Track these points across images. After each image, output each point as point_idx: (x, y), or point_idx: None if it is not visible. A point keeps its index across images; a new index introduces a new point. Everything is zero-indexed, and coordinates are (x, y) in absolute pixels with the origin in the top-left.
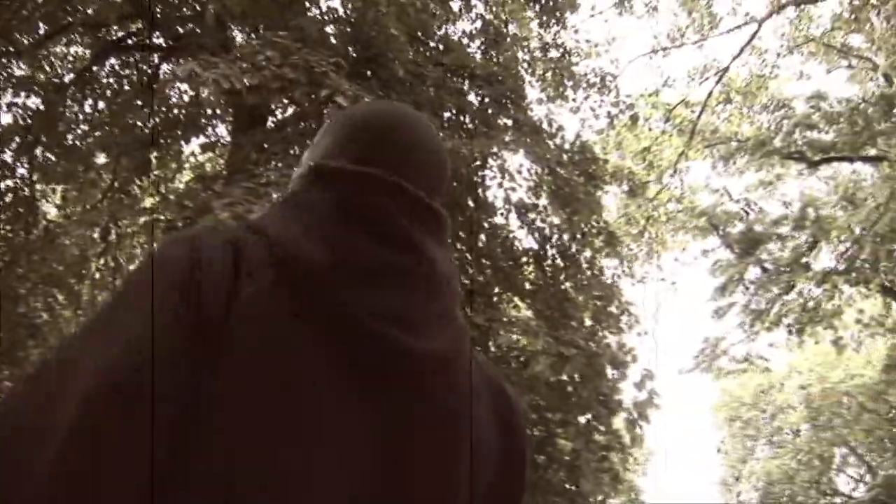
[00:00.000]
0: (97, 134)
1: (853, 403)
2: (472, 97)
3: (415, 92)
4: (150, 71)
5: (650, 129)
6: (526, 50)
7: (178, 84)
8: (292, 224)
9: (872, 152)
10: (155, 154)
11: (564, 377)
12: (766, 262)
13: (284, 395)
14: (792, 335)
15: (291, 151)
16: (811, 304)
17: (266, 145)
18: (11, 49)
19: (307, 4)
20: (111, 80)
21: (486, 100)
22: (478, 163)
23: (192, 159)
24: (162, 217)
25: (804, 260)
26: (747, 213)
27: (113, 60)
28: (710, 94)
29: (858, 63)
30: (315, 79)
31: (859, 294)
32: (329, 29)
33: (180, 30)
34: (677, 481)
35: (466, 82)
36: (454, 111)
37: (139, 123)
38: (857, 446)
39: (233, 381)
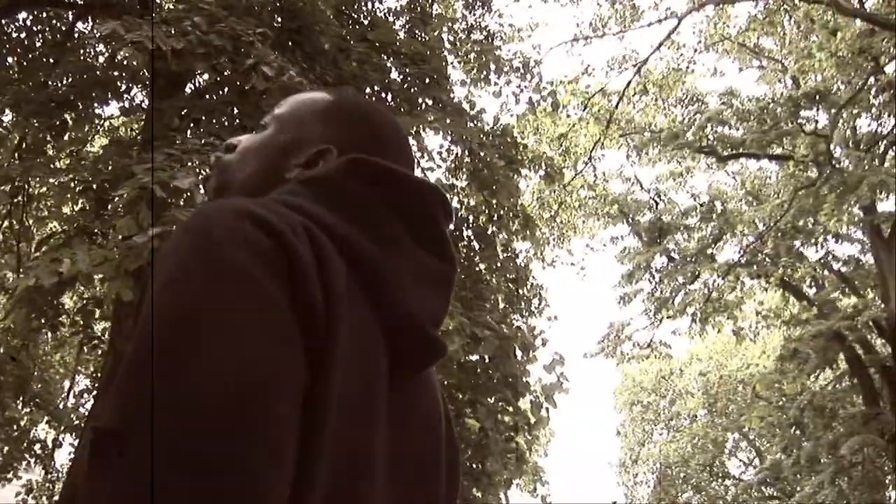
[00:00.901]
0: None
1: (748, 391)
2: (394, 75)
3: (339, 66)
4: (63, 28)
5: (568, 116)
6: (451, 31)
7: (94, 44)
8: (344, 217)
9: (778, 151)
10: (71, 115)
11: (475, 358)
12: (673, 251)
13: (367, 394)
14: (695, 324)
15: (214, 121)
16: (714, 294)
17: (185, 112)
18: None
19: None
20: (22, 36)
21: (410, 78)
22: None
23: (106, 124)
24: (77, 179)
25: (709, 251)
26: (657, 203)
27: (24, 14)
28: (628, 85)
29: (769, 64)
30: (241, 47)
31: (759, 286)
32: None
33: None
34: (576, 462)
35: (391, 60)
36: (377, 88)
37: (51, 83)
38: (749, 432)
39: (332, 378)
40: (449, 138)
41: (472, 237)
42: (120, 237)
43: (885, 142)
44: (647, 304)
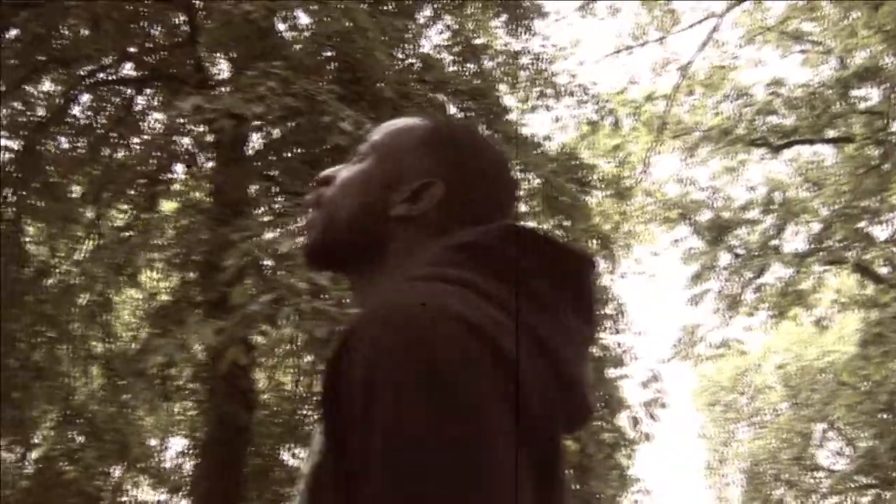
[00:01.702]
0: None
1: (830, 379)
2: (452, 110)
3: (402, 111)
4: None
5: (619, 127)
6: (497, 59)
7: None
8: (509, 289)
9: (832, 133)
10: (158, 189)
11: None
12: (737, 247)
13: None
14: (773, 318)
15: (290, 181)
16: (787, 286)
17: (266, 174)
18: None
19: (280, 28)
20: (88, 115)
21: (471, 114)
22: None
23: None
24: (176, 251)
25: (773, 243)
26: (714, 201)
27: (86, 97)
28: (676, 88)
29: (811, 48)
30: (317, 107)
31: (831, 273)
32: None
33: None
34: (661, 469)
35: (444, 97)
36: None
37: (115, 156)
38: (836, 421)
39: None
40: (519, 168)
41: None
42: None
43: None
44: (717, 303)
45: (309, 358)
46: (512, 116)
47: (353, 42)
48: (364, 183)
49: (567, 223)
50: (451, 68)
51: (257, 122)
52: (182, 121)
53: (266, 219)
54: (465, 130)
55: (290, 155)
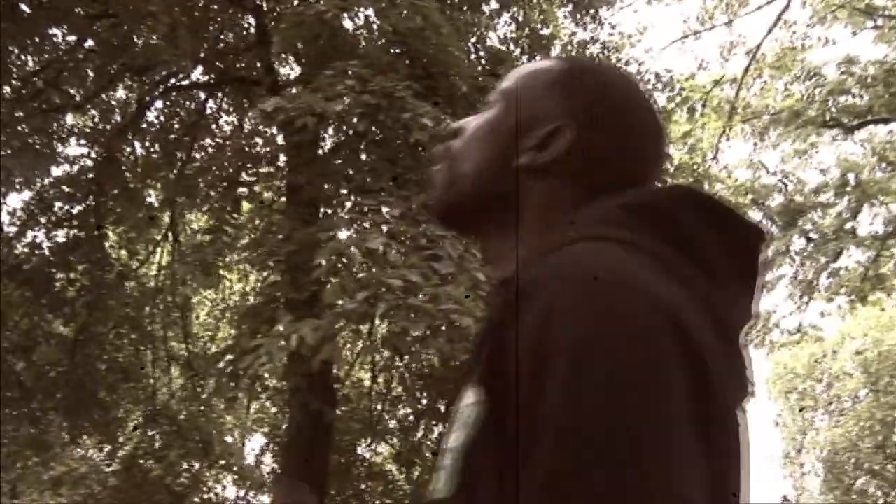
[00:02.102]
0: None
1: None
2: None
3: (478, 106)
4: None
5: (691, 113)
6: (565, 49)
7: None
8: (686, 261)
9: None
10: (243, 193)
11: None
12: (811, 231)
13: None
14: (853, 303)
15: (367, 179)
16: (867, 270)
17: (350, 173)
18: (58, 101)
19: (348, 25)
20: (162, 120)
21: None
22: None
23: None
24: (259, 252)
25: (848, 226)
26: (785, 185)
27: (160, 104)
28: (745, 72)
29: (885, 22)
30: (395, 103)
31: None
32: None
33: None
34: None
35: None
36: None
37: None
38: None
39: None
40: None
41: None
42: (327, 304)
43: None
44: (791, 289)
45: (386, 353)
46: None
47: (425, 38)
48: (490, 132)
49: None
50: (519, 61)
51: (332, 121)
52: (259, 121)
53: (349, 216)
54: (602, 70)
55: (366, 154)
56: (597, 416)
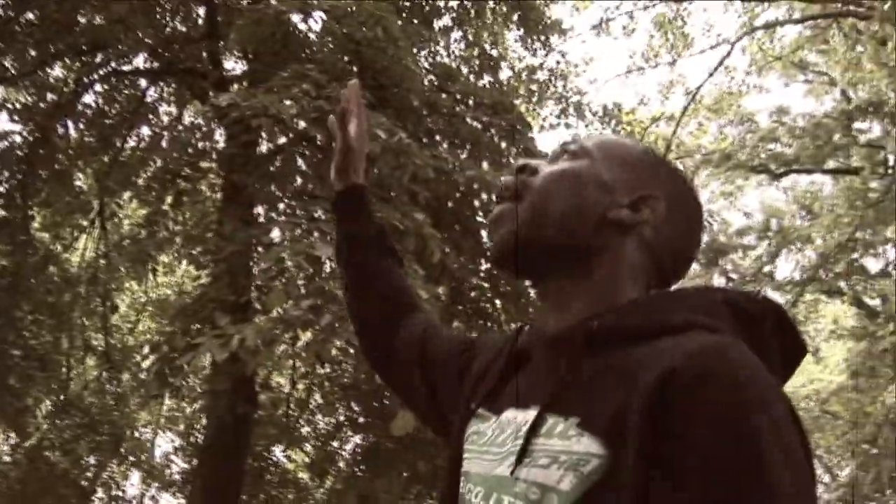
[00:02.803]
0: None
1: (814, 407)
2: (473, 124)
3: (429, 121)
4: (137, 95)
5: None
6: (514, 73)
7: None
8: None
9: (832, 164)
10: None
11: None
12: (730, 272)
13: None
14: None
15: (311, 186)
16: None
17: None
18: None
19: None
20: (99, 104)
21: (494, 129)
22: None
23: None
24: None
25: (767, 269)
26: (710, 225)
27: (99, 87)
28: (684, 111)
29: (816, 78)
30: None
31: (822, 302)
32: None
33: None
34: None
35: (476, 111)
36: (464, 139)
37: (124, 147)
38: (817, 449)
39: None
40: None
41: None
42: (272, 310)
43: None
44: None
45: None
46: (535, 133)
47: (381, 49)
48: (580, 182)
49: None
50: (467, 78)
51: (285, 124)
52: (210, 115)
53: (293, 222)
54: (678, 167)
55: (312, 160)
56: (775, 488)
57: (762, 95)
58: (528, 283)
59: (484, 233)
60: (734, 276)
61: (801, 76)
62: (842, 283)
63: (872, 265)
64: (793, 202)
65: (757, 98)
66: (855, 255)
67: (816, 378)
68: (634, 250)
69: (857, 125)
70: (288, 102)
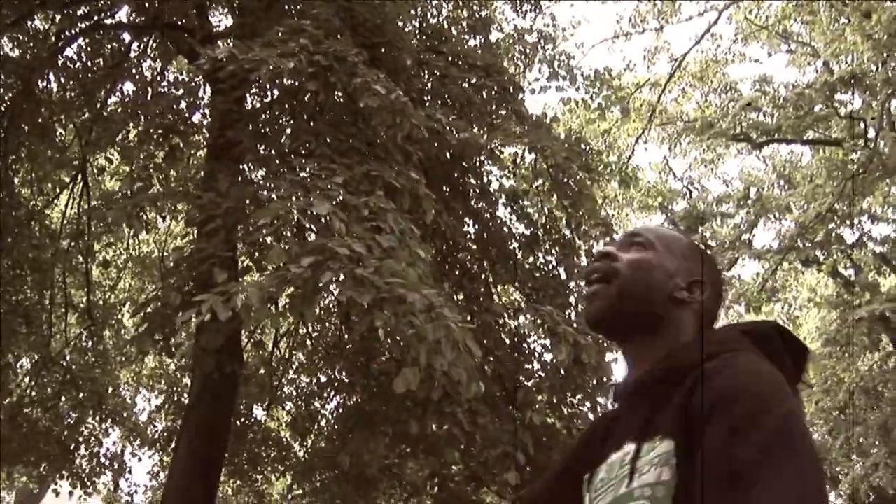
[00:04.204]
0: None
1: None
2: (465, 85)
3: (421, 81)
4: (121, 49)
5: (610, 112)
6: (503, 35)
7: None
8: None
9: (811, 135)
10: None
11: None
12: (709, 239)
13: None
14: (749, 313)
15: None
16: (766, 282)
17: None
18: None
19: None
20: (82, 58)
21: (485, 90)
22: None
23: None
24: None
25: (745, 237)
26: (690, 192)
27: (81, 41)
28: (670, 78)
29: (799, 48)
30: (347, 68)
31: (796, 271)
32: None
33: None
34: None
35: (468, 72)
36: (455, 100)
37: (107, 102)
38: None
39: None
40: (525, 148)
41: (548, 241)
42: (270, 267)
43: None
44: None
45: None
46: (523, 95)
47: (375, 7)
48: (655, 269)
49: (571, 210)
50: (458, 40)
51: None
52: (206, 69)
53: (291, 179)
54: (713, 256)
55: (304, 117)
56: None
57: (745, 65)
58: (615, 342)
59: (472, 194)
60: (713, 243)
61: (784, 46)
62: (819, 253)
63: (850, 236)
64: (772, 171)
65: (740, 67)
66: (833, 226)
67: None
68: (689, 317)
69: (838, 97)
70: (285, 57)
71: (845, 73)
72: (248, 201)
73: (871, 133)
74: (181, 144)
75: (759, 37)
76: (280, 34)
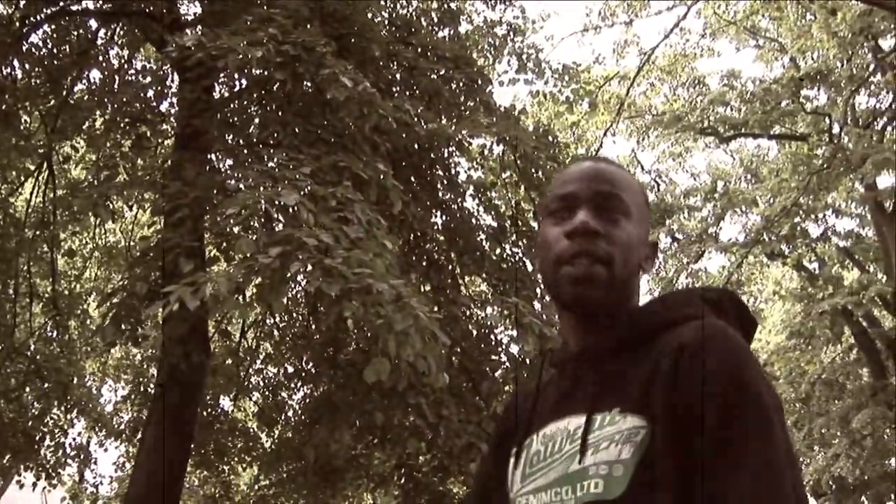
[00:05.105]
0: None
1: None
2: (433, 77)
3: (390, 72)
4: (88, 36)
5: (579, 105)
6: (473, 27)
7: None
8: None
9: (778, 130)
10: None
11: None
12: (676, 232)
13: None
14: None
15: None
16: (732, 275)
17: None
18: None
19: None
20: (47, 45)
21: (455, 82)
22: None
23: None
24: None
25: (712, 230)
26: (658, 185)
27: (47, 27)
28: (639, 72)
29: (766, 44)
30: (315, 59)
31: (762, 264)
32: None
33: None
34: None
35: (437, 63)
36: (424, 91)
37: (73, 90)
38: None
39: None
40: (494, 139)
41: (513, 232)
42: (238, 257)
43: (884, 118)
44: (651, 285)
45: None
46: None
47: None
48: (638, 244)
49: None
50: (427, 31)
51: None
52: (174, 56)
53: (258, 169)
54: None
55: (272, 106)
56: (780, 429)
57: (714, 59)
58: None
59: (440, 186)
60: (679, 236)
61: (752, 41)
62: (784, 247)
63: (814, 230)
64: (739, 166)
65: (709, 62)
66: (798, 220)
67: (756, 338)
68: (638, 282)
69: (804, 92)
70: (253, 46)
71: (811, 69)
72: (215, 191)
73: (836, 129)
74: (148, 133)
75: (728, 32)
76: (248, 23)
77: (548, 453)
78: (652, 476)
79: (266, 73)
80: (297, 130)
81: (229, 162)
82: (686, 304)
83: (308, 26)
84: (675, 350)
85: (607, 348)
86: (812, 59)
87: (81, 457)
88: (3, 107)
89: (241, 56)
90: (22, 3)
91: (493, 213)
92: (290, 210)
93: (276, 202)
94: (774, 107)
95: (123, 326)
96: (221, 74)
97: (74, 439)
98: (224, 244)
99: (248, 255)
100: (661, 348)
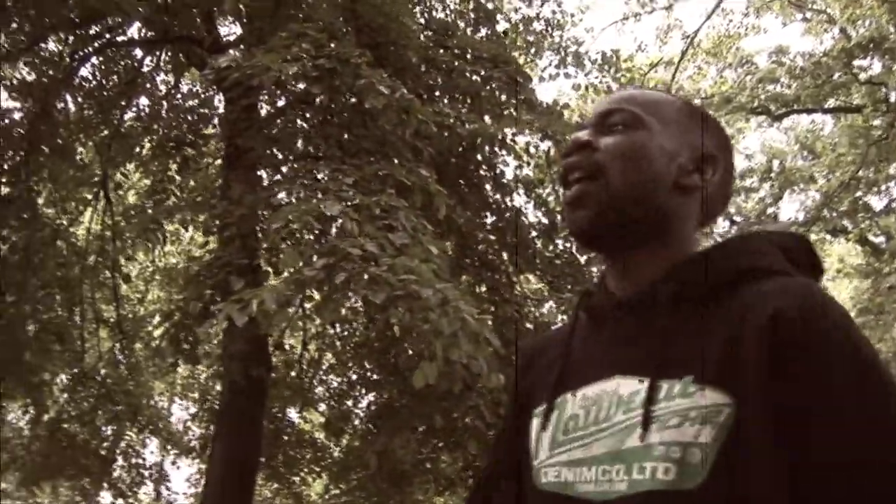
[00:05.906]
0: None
1: None
2: (473, 78)
3: (429, 77)
4: (134, 65)
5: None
6: (510, 24)
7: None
8: None
9: (832, 103)
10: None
11: None
12: (734, 214)
13: None
14: None
15: (317, 145)
16: None
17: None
18: None
19: None
20: (96, 76)
21: (494, 82)
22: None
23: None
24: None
25: (770, 210)
26: None
27: (95, 59)
28: (683, 56)
29: (814, 16)
30: (351, 70)
31: (826, 241)
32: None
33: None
34: None
35: (476, 65)
36: (464, 93)
37: (123, 118)
38: None
39: None
40: (539, 135)
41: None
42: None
43: None
44: None
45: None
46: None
47: (376, 6)
48: (650, 153)
49: None
50: (464, 32)
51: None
52: (211, 79)
53: (301, 182)
54: (708, 112)
55: (314, 120)
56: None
57: (760, 36)
58: (603, 255)
59: (488, 186)
60: (738, 218)
61: (798, 15)
62: (846, 222)
63: (876, 203)
64: (794, 143)
65: (755, 39)
66: (858, 194)
67: None
68: (696, 207)
69: (857, 63)
70: (288, 63)
71: (863, 38)
72: (262, 207)
73: (893, 97)
74: (194, 155)
75: (772, 7)
76: (283, 39)
77: (590, 420)
78: (737, 466)
79: (304, 87)
80: (339, 142)
81: (277, 178)
82: (761, 252)
83: (344, 37)
84: (769, 318)
85: (665, 298)
86: (864, 27)
87: (156, 475)
88: (59, 140)
89: (275, 73)
90: (71, 38)
91: (542, 209)
92: (336, 221)
93: (321, 214)
94: (826, 80)
95: (181, 346)
96: (263, 92)
97: (144, 458)
98: (273, 259)
99: (295, 268)
100: (739, 309)
